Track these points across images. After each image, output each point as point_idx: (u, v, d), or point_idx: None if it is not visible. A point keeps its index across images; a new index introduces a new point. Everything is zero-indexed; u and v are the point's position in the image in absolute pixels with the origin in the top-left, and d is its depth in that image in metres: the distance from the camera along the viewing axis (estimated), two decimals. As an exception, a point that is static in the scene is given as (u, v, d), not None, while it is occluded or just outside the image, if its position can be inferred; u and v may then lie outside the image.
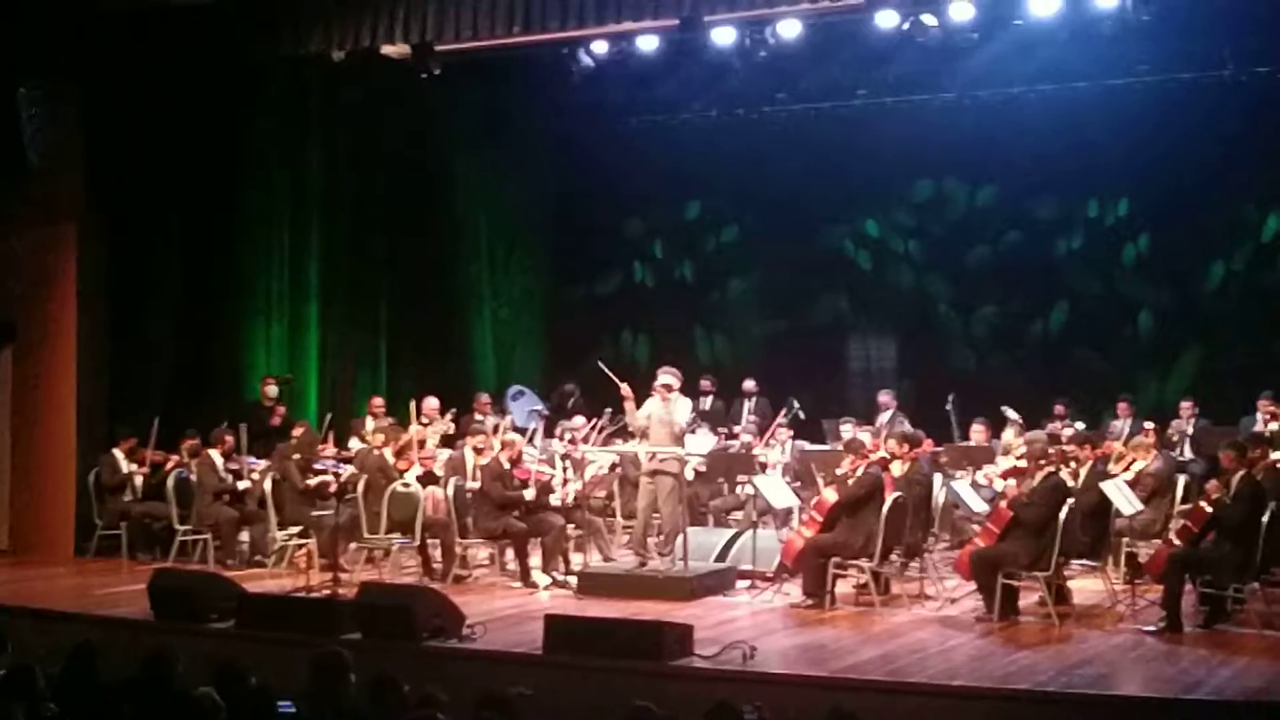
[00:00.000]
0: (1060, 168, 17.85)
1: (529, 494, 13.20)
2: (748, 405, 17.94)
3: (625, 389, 12.90)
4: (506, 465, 13.31)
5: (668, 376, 12.88)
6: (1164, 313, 18.17)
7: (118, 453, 14.90)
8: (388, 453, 13.71)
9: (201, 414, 15.32)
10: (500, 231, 20.34)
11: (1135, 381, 17.78)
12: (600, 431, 15.23)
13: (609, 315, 20.65)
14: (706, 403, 18.07)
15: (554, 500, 13.63)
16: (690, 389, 17.00)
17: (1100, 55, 16.21)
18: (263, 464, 14.53)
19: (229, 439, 14.59)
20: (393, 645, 10.13)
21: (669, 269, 20.78)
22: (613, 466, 14.85)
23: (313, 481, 13.93)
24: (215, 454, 14.50)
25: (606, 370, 13.31)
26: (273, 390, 16.32)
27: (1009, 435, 15.01)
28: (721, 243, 20.54)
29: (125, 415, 15.31)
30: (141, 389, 15.81)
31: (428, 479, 13.55)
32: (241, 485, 14.41)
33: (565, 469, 14.17)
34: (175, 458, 14.78)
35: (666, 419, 12.68)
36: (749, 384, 18.18)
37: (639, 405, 12.81)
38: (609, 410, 15.12)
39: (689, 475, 13.92)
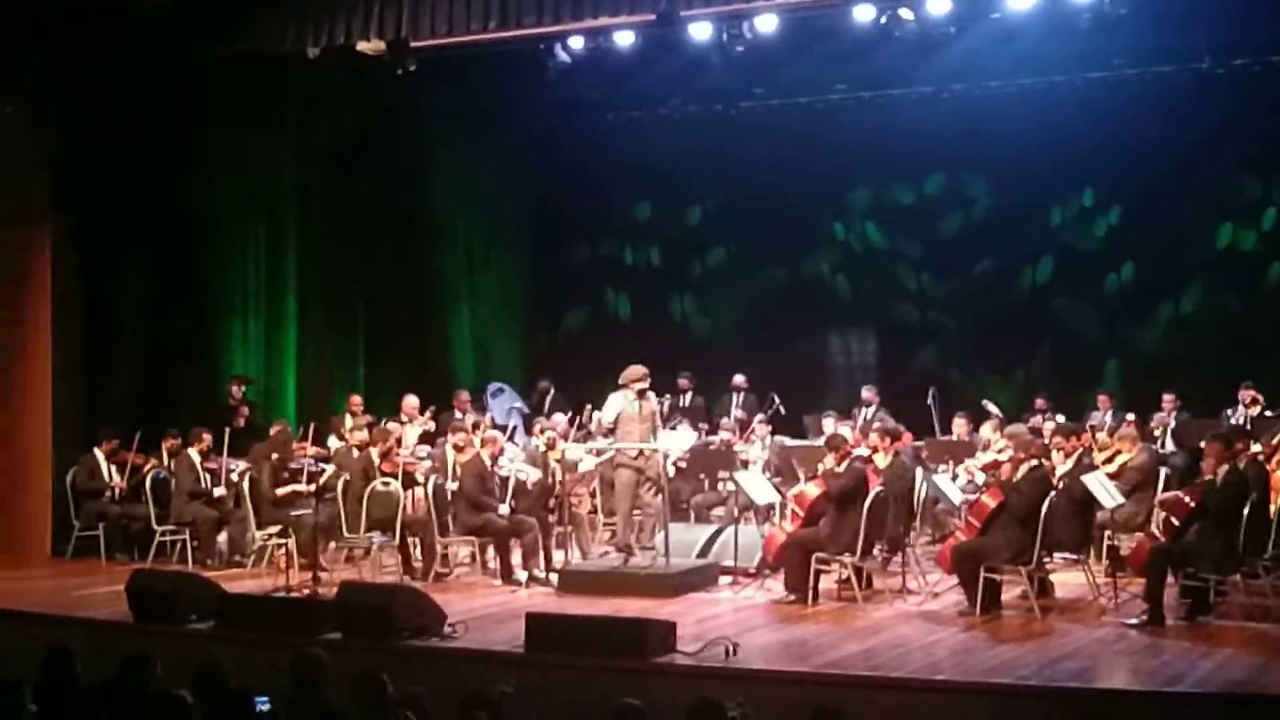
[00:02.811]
0: (1039, 161, 17.74)
1: (503, 509, 13.07)
2: (736, 400, 17.86)
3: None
4: (488, 463, 13.24)
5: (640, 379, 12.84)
6: (1142, 311, 18.15)
7: (98, 454, 14.78)
8: (374, 453, 13.62)
9: (177, 414, 15.23)
10: (478, 228, 20.24)
11: (1118, 376, 17.80)
12: (579, 428, 15.19)
13: (587, 307, 20.58)
14: (686, 399, 18.01)
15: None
16: (670, 386, 16.99)
17: (1077, 49, 16.20)
18: (243, 465, 14.44)
19: (207, 437, 14.48)
20: (373, 644, 10.08)
21: (648, 265, 20.68)
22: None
23: (282, 492, 13.82)
24: (193, 453, 14.43)
25: None
26: (237, 391, 16.26)
27: (987, 430, 14.97)
28: (698, 238, 20.41)
29: (101, 416, 15.21)
30: (118, 389, 15.72)
31: (408, 481, 13.46)
32: (218, 492, 14.28)
33: (554, 472, 13.95)
34: (155, 461, 14.70)
35: (646, 415, 12.64)
36: (738, 379, 18.03)
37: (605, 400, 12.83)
38: (588, 406, 15.07)
39: (670, 472, 13.86)
